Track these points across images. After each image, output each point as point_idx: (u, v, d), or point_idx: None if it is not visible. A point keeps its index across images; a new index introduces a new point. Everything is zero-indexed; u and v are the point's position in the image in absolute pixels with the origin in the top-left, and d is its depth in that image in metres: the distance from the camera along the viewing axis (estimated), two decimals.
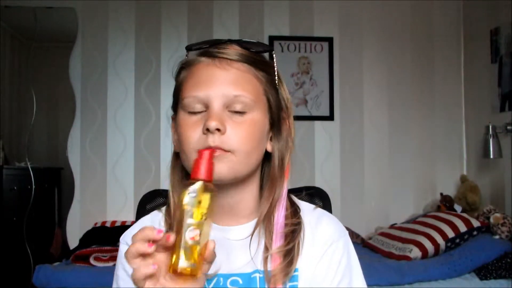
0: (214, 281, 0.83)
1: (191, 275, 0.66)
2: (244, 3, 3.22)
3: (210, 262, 0.68)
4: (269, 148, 0.87)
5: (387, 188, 3.29)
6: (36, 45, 3.37)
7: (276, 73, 0.87)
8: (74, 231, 2.97)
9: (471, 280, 2.26)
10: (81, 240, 2.66)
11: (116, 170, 3.09)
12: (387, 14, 3.35)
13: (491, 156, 2.80)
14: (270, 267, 0.81)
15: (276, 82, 0.87)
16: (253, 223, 0.86)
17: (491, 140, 2.79)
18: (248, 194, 0.87)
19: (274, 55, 0.88)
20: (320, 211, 0.91)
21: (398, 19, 3.36)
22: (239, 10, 3.20)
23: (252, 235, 0.83)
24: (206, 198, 0.68)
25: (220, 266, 0.82)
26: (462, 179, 3.14)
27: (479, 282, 2.25)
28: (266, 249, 0.83)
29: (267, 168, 0.88)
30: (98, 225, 2.86)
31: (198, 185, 0.69)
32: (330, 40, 3.26)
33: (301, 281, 0.83)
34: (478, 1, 3.20)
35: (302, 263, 0.83)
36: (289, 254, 0.82)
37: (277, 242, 0.82)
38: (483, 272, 2.28)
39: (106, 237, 2.54)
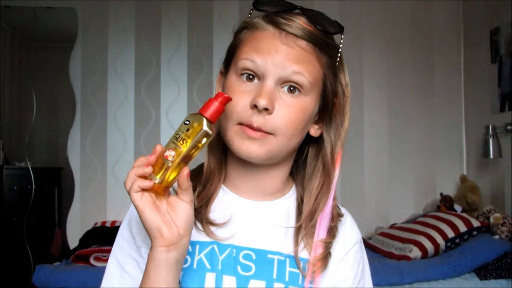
0: (227, 251, 0.80)
1: (154, 190, 0.69)
2: (244, 3, 3.22)
3: (184, 189, 0.70)
4: (312, 132, 0.83)
5: (387, 188, 3.29)
6: (36, 45, 3.37)
7: (339, 56, 0.83)
8: (74, 231, 2.97)
9: (471, 280, 2.26)
10: (81, 240, 2.66)
11: (116, 170, 3.09)
12: (387, 14, 3.35)
13: (491, 156, 2.80)
14: (309, 255, 0.80)
15: (337, 65, 0.83)
16: (278, 201, 0.85)
17: (491, 140, 2.79)
18: (276, 175, 0.84)
19: (342, 37, 0.83)
20: (342, 207, 0.90)
21: (398, 19, 3.36)
22: (239, 10, 3.20)
23: (298, 222, 0.82)
24: (197, 130, 0.69)
25: (235, 234, 0.81)
26: (462, 179, 3.14)
27: (479, 282, 2.25)
28: (297, 233, 0.81)
29: (309, 151, 0.87)
30: (98, 225, 2.86)
31: (196, 117, 0.70)
32: None
33: (322, 274, 0.81)
34: (478, 1, 3.20)
35: None
36: (330, 246, 0.81)
37: (322, 233, 0.81)
38: (483, 272, 2.28)
39: (106, 237, 2.54)
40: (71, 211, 3.05)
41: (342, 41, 0.83)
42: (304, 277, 0.79)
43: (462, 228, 2.48)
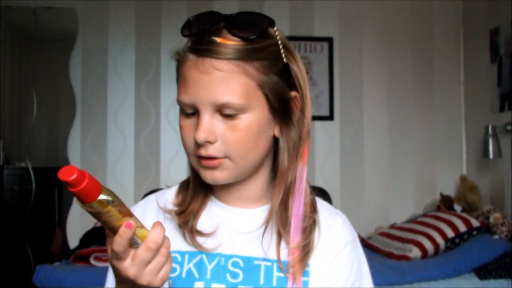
0: (216, 260, 0.82)
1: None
2: (244, 3, 3.23)
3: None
4: (276, 134, 0.81)
5: (387, 188, 3.29)
6: (36, 45, 3.37)
7: (281, 47, 0.78)
8: (75, 231, 2.97)
9: (471, 280, 2.26)
10: (81, 240, 2.66)
11: (116, 170, 3.09)
12: (387, 14, 3.35)
13: (491, 156, 2.81)
14: (287, 258, 0.80)
15: (283, 56, 0.78)
16: (262, 209, 0.85)
17: (490, 140, 2.79)
18: (256, 183, 0.84)
19: (276, 29, 0.79)
20: (334, 209, 0.90)
21: (398, 19, 3.36)
22: (239, 10, 3.20)
23: (266, 227, 0.81)
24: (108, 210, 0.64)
25: (222, 243, 0.82)
26: (462, 179, 3.14)
27: (478, 282, 2.25)
28: (279, 237, 0.81)
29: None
30: (98, 225, 2.86)
31: (96, 207, 0.62)
32: (330, 40, 3.26)
33: (312, 277, 0.81)
34: (478, 1, 3.20)
35: (314, 259, 0.82)
36: (307, 247, 0.81)
37: (296, 236, 0.80)
38: (483, 272, 2.28)
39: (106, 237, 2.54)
40: (71, 211, 3.05)
41: (277, 33, 0.79)
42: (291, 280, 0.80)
43: (462, 228, 2.48)
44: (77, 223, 3.01)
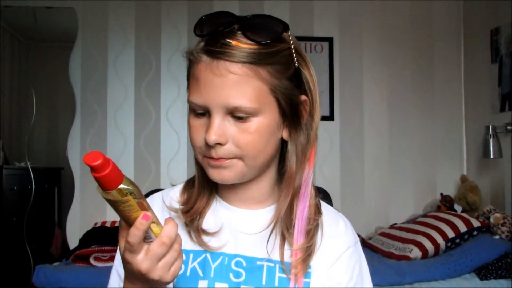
0: (220, 259, 0.82)
1: None
2: (244, 3, 3.22)
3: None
4: (284, 136, 0.82)
5: (387, 188, 3.29)
6: (36, 45, 3.37)
7: (294, 51, 0.79)
8: (74, 231, 2.97)
9: (471, 280, 2.26)
10: (81, 240, 2.66)
11: None
12: (387, 14, 3.35)
13: (491, 156, 2.80)
14: (290, 259, 0.81)
15: (295, 61, 0.79)
16: (266, 210, 0.85)
17: (491, 140, 2.79)
18: (262, 184, 0.85)
19: (290, 34, 0.80)
20: (337, 212, 0.91)
21: (398, 19, 3.36)
22: (239, 10, 3.20)
23: (272, 229, 0.82)
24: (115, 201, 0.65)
25: (227, 242, 0.83)
26: (462, 179, 3.14)
27: (479, 282, 2.25)
28: (283, 239, 0.82)
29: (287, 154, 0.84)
30: (98, 225, 2.86)
31: (115, 195, 0.64)
32: (330, 40, 3.26)
33: (313, 279, 0.82)
34: (478, 1, 3.20)
35: (316, 260, 0.82)
36: (309, 248, 0.81)
37: (300, 238, 0.81)
38: (483, 272, 2.28)
39: (106, 237, 2.54)
40: (71, 211, 3.04)
41: (290, 38, 0.79)
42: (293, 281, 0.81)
43: (462, 228, 2.48)
44: (77, 223, 3.01)
